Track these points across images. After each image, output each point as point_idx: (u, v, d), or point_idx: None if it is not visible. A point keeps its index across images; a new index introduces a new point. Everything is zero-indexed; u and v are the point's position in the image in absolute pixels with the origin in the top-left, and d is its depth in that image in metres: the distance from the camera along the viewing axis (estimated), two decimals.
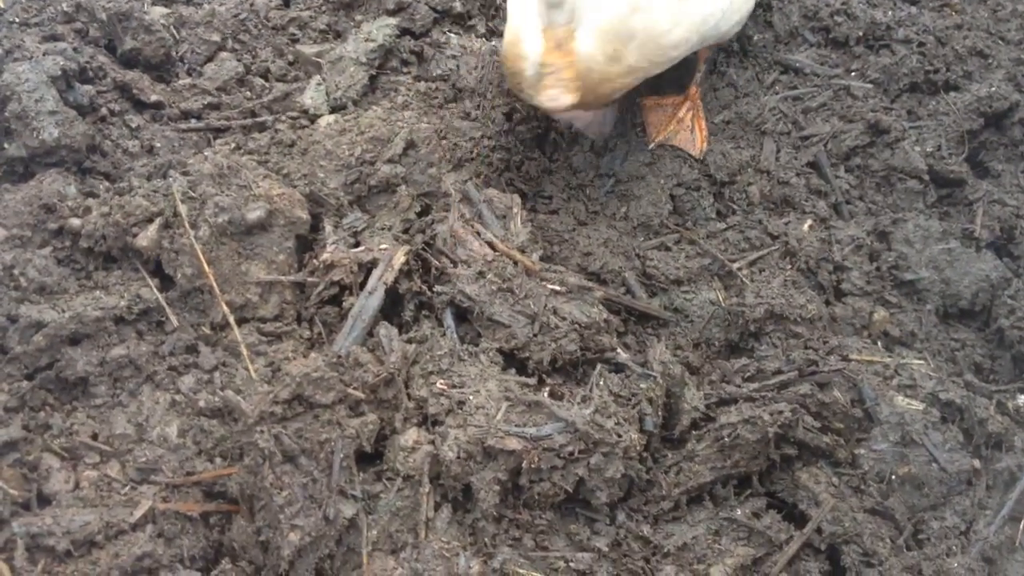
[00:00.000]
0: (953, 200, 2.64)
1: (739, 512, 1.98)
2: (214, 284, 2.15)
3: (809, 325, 2.26)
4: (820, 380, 2.12)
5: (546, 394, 2.00)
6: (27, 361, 2.00)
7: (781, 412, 1.99)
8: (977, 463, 2.03)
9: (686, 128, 2.60)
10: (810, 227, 2.50)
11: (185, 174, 2.27)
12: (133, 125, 2.49)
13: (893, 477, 2.00)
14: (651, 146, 2.57)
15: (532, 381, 2.04)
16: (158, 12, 2.80)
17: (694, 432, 2.07)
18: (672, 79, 2.69)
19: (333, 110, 2.68)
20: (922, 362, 2.23)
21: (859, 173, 2.65)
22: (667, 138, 2.59)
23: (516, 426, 1.90)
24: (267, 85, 2.76)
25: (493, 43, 2.87)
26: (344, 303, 2.18)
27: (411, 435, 1.91)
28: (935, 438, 2.03)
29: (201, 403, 2.02)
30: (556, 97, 2.16)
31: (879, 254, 2.47)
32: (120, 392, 2.04)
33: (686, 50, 2.38)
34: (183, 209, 2.17)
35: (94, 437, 1.97)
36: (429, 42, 2.89)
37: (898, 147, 2.62)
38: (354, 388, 1.93)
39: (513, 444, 1.88)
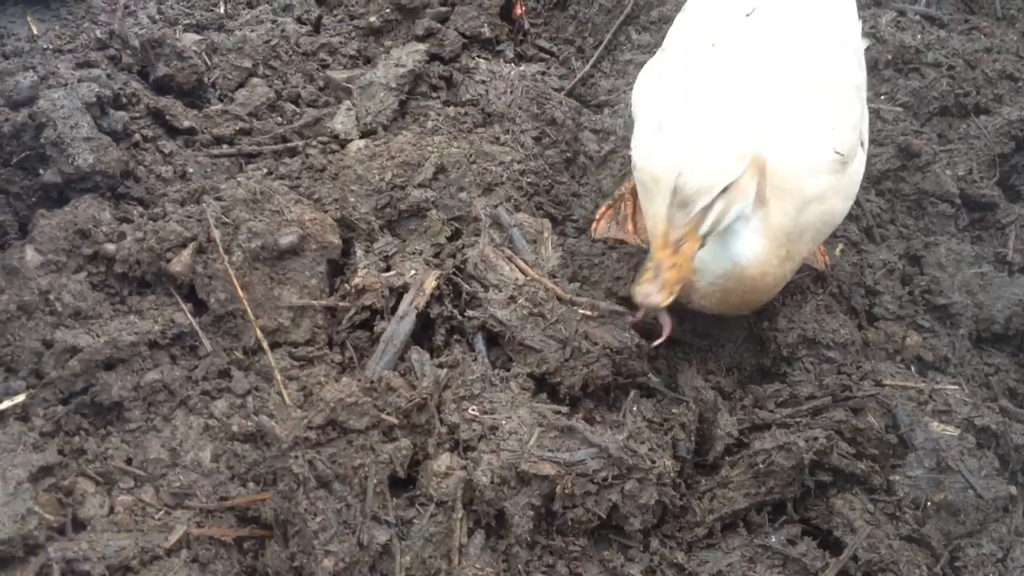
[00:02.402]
0: (985, 224, 2.62)
1: (774, 539, 1.96)
2: (247, 309, 2.16)
3: (842, 350, 2.25)
4: (854, 405, 2.11)
5: (579, 419, 1.99)
6: (62, 386, 2.02)
7: (815, 438, 1.98)
8: (1013, 490, 2.01)
9: None
10: (841, 251, 2.49)
11: (218, 199, 2.28)
12: (166, 151, 2.51)
13: (929, 504, 1.98)
14: None
15: (564, 408, 2.03)
16: (190, 39, 2.83)
17: (728, 458, 2.06)
18: None
19: (363, 135, 2.70)
20: (956, 387, 2.21)
21: (890, 196, 2.64)
22: None
23: (549, 451, 1.90)
24: (298, 110, 2.79)
25: (521, 68, 2.88)
26: (375, 327, 2.19)
27: (444, 460, 1.91)
28: (971, 464, 2.01)
29: (234, 428, 2.02)
30: (648, 295, 1.84)
31: (911, 278, 2.45)
32: (154, 417, 2.05)
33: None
34: (217, 234, 2.19)
35: (128, 462, 1.98)
36: (458, 67, 2.92)
37: (929, 170, 2.62)
38: (387, 413, 1.93)
39: (547, 469, 1.87)
